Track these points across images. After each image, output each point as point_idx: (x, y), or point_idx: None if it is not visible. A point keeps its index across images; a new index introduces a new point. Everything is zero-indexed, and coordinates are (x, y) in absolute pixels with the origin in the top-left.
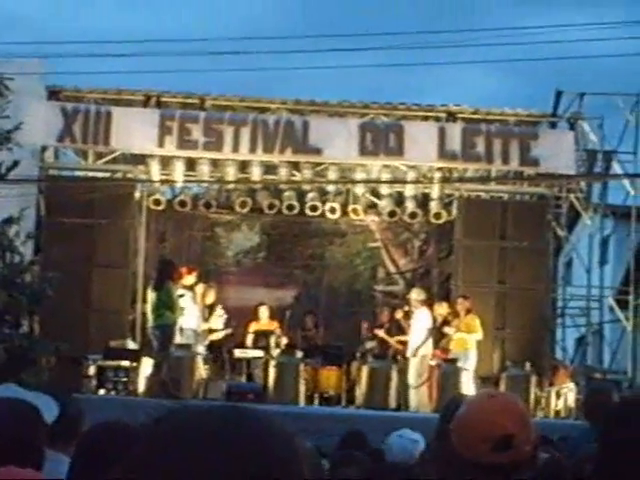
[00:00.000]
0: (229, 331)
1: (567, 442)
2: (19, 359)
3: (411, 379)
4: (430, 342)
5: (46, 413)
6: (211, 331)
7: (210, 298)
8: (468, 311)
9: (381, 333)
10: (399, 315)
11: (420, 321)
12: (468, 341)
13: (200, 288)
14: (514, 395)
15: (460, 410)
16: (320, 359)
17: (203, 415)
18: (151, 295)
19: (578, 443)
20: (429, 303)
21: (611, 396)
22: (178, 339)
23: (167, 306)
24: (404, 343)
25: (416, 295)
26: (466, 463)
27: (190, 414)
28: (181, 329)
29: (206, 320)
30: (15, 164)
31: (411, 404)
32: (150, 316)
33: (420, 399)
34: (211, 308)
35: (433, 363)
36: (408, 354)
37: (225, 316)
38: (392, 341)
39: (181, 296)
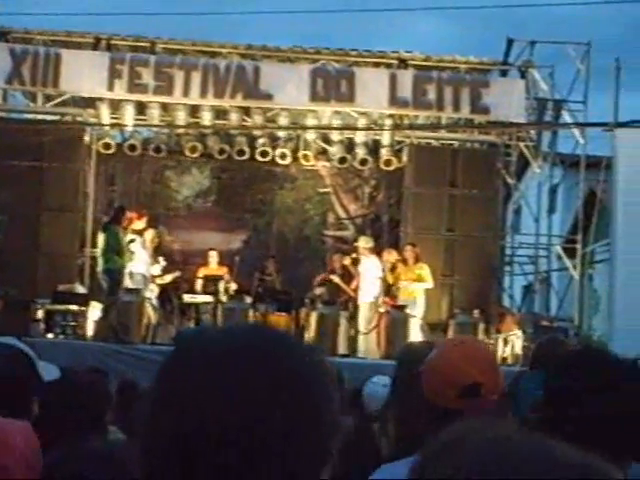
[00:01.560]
0: (177, 274)
1: (514, 390)
2: None
3: (360, 326)
4: (379, 289)
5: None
6: (159, 276)
7: (155, 242)
8: (417, 259)
9: (336, 279)
10: (347, 262)
11: (368, 269)
12: (416, 289)
13: (150, 233)
14: (484, 343)
15: (430, 355)
16: (269, 305)
17: (235, 334)
18: (100, 239)
19: (527, 391)
20: (378, 250)
21: (561, 347)
22: (128, 284)
23: (115, 250)
24: (354, 290)
25: (364, 243)
26: (433, 408)
27: (221, 333)
28: (131, 274)
29: (154, 265)
30: None
31: (360, 350)
32: (99, 260)
33: (369, 345)
34: (157, 254)
35: (382, 310)
36: (358, 301)
37: (164, 264)
38: (346, 287)
39: (132, 241)
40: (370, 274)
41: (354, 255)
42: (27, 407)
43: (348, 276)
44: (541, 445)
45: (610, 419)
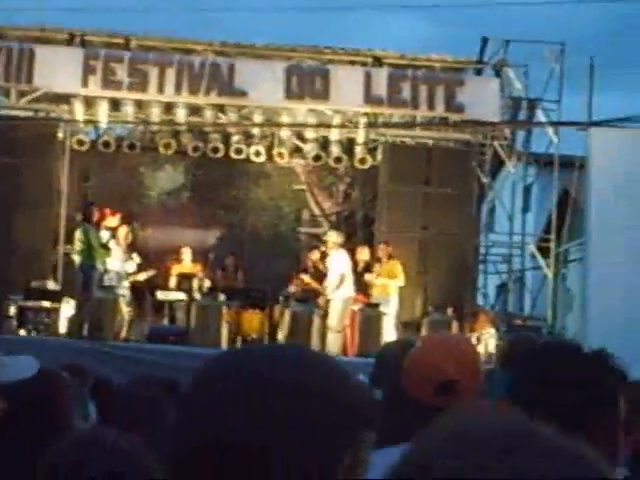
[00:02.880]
0: (152, 273)
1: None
2: None
3: (330, 322)
4: (350, 285)
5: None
6: (133, 274)
7: (128, 240)
8: (389, 257)
9: (307, 278)
10: (315, 257)
11: (335, 264)
12: (389, 286)
13: (123, 230)
14: (467, 341)
15: (412, 349)
16: (243, 302)
17: (264, 356)
18: (75, 236)
19: (495, 390)
20: (351, 248)
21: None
22: (104, 280)
23: (87, 247)
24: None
25: (334, 237)
26: (413, 405)
27: (250, 355)
28: (107, 271)
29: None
30: None
31: (330, 348)
32: (75, 257)
33: (341, 343)
34: (130, 250)
35: (355, 308)
36: (328, 297)
37: (138, 261)
38: (317, 285)
39: (113, 237)
40: (336, 268)
41: (322, 249)
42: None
43: (318, 272)
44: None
45: (577, 409)
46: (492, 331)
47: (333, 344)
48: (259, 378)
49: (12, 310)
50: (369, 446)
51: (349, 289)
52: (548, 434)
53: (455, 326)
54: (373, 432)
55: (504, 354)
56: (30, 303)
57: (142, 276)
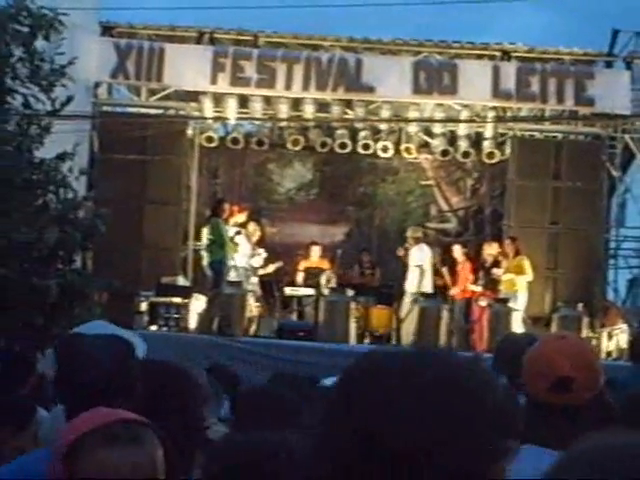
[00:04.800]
0: (280, 264)
1: (614, 384)
2: (72, 295)
3: (402, 313)
4: (423, 278)
5: (137, 349)
6: (261, 267)
7: (256, 236)
8: (517, 252)
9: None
10: (400, 253)
11: (413, 259)
12: (517, 282)
13: (251, 226)
14: (586, 340)
15: (532, 346)
16: (371, 298)
17: (427, 361)
18: (204, 232)
19: (625, 384)
20: (477, 242)
21: None
22: (232, 276)
23: (218, 243)
24: (454, 283)
25: (411, 232)
26: (528, 399)
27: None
28: (235, 267)
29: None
30: (69, 100)
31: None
32: (203, 253)
33: (407, 334)
34: (258, 246)
35: (484, 304)
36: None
37: (264, 255)
38: (447, 279)
39: (238, 233)
40: (415, 263)
41: (406, 245)
42: (130, 394)
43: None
44: None
45: None
46: (624, 326)
47: (402, 334)
48: (420, 377)
49: (143, 306)
50: (514, 454)
51: (422, 281)
52: None
53: (585, 321)
54: (517, 440)
55: (631, 346)
56: (161, 299)
57: (271, 268)
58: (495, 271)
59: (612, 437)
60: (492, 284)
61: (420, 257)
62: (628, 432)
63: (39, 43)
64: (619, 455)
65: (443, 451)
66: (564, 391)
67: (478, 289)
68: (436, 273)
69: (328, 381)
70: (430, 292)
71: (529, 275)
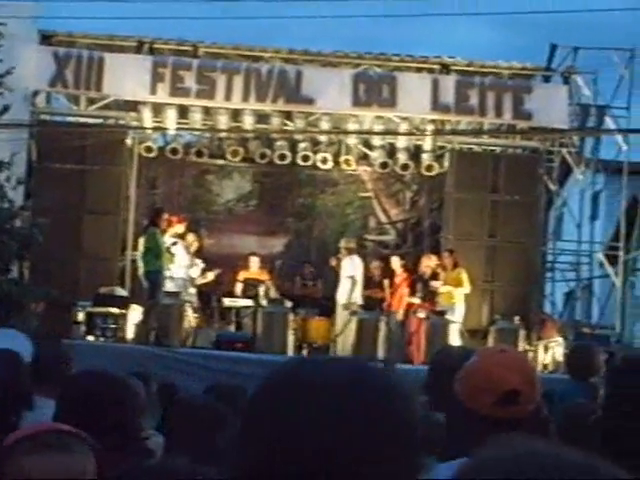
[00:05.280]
0: (218, 271)
1: (551, 397)
2: (8, 305)
3: (337, 327)
4: (353, 289)
5: (23, 353)
6: (199, 276)
7: (194, 247)
8: (455, 265)
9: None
10: (333, 263)
11: (345, 270)
12: (455, 295)
13: (190, 237)
14: (524, 354)
15: (470, 360)
16: (312, 310)
17: (330, 368)
18: (140, 242)
19: (563, 398)
20: (416, 254)
21: (594, 354)
22: (169, 287)
23: (155, 253)
24: (391, 294)
25: (344, 243)
26: (469, 414)
27: (315, 366)
28: (171, 277)
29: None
30: (6, 109)
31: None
32: (139, 263)
33: (344, 347)
34: (196, 257)
35: (422, 315)
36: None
37: (202, 266)
38: (380, 293)
39: (174, 244)
40: (347, 274)
41: (339, 256)
42: (23, 403)
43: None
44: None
45: None
46: (560, 339)
47: (338, 347)
48: (331, 401)
49: (81, 316)
50: (427, 470)
51: (352, 292)
52: (609, 470)
53: (522, 334)
54: (432, 456)
55: (567, 361)
56: (98, 309)
57: (210, 275)
58: (433, 283)
59: (517, 444)
60: (430, 296)
61: (352, 268)
62: (532, 439)
63: None
64: (523, 463)
65: (349, 464)
66: (511, 405)
67: (416, 301)
68: (377, 285)
69: None
70: (360, 303)
71: (467, 288)
